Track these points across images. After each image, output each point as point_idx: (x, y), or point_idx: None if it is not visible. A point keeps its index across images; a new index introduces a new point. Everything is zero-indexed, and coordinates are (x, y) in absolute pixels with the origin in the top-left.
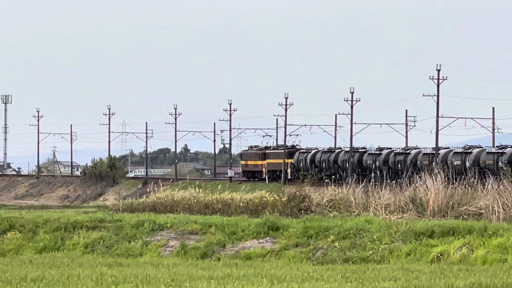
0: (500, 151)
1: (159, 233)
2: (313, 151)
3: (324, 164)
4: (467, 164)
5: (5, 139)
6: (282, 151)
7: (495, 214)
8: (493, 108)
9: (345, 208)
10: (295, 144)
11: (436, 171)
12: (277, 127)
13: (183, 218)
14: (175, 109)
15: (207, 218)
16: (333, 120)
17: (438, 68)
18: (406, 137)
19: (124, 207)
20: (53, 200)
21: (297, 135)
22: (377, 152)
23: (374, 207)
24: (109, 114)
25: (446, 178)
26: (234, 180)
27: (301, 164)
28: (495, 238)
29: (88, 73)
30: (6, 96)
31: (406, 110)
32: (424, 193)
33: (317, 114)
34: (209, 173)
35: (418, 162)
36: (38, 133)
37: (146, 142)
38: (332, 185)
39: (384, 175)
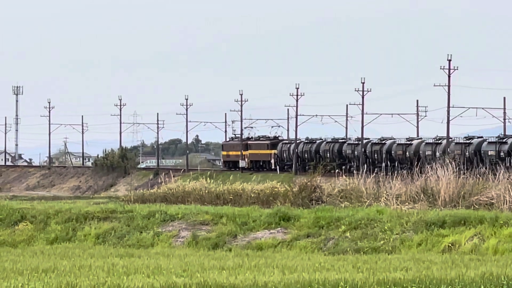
0: (468, 141)
1: (170, 223)
2: (297, 142)
3: (306, 155)
4: (437, 154)
5: (17, 130)
6: (264, 142)
7: (506, 204)
8: (504, 98)
9: (356, 199)
10: (277, 135)
11: (447, 162)
12: (288, 118)
13: (194, 208)
14: (186, 99)
15: (218, 208)
16: (344, 111)
17: (449, 58)
18: (417, 127)
19: (135, 198)
20: (64, 191)
21: (279, 126)
22: (356, 142)
23: (385, 197)
24: (120, 105)
25: (457, 168)
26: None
27: (285, 155)
28: (506, 228)
29: (100, 64)
30: (17, 87)
31: (417, 100)
32: (435, 183)
33: (328, 104)
34: (220, 164)
35: (392, 152)
36: (50, 124)
37: (158, 133)
38: (343, 176)
39: (361, 164)
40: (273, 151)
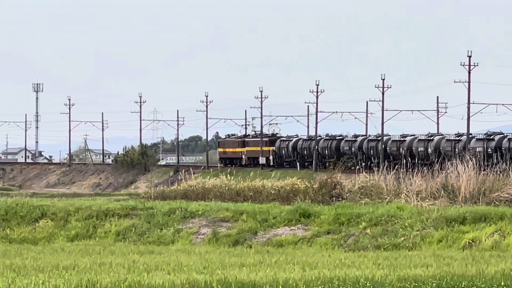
0: (458, 138)
1: (190, 220)
2: (294, 139)
3: (305, 151)
4: (429, 150)
5: (37, 127)
6: (260, 139)
7: None
8: None
9: (376, 195)
10: (275, 133)
11: (467, 158)
12: (308, 114)
13: (214, 205)
14: (206, 96)
15: (238, 205)
16: (365, 107)
17: (469, 55)
18: (438, 123)
19: (155, 195)
20: (84, 188)
21: (277, 123)
22: (353, 139)
23: (405, 194)
24: (140, 102)
25: (477, 164)
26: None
27: (283, 152)
28: None
29: (120, 61)
30: (37, 84)
31: (438, 97)
32: (455, 179)
33: (349, 101)
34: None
35: (387, 148)
36: (70, 121)
37: (178, 130)
38: (363, 172)
39: (359, 160)
40: (271, 148)
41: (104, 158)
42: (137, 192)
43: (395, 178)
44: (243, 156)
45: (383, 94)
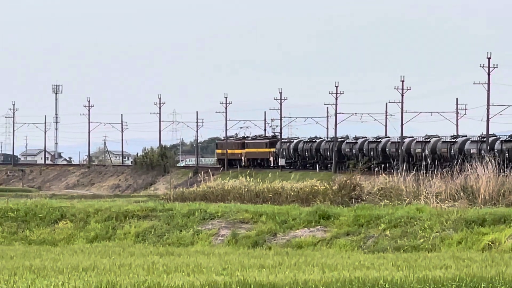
0: (453, 140)
1: (210, 222)
2: (295, 141)
3: (307, 153)
4: (426, 152)
5: (56, 129)
6: (261, 140)
7: None
8: None
9: (396, 197)
10: (274, 134)
11: (487, 159)
12: (327, 116)
13: (234, 207)
14: (226, 98)
15: (258, 207)
16: (384, 109)
17: (489, 56)
18: (457, 125)
19: (175, 196)
20: (104, 189)
21: (276, 126)
22: (353, 141)
23: (425, 196)
24: (160, 104)
25: (497, 166)
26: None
27: (284, 153)
28: None
29: (139, 63)
30: (57, 86)
31: (457, 98)
32: (475, 181)
33: (368, 102)
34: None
35: (387, 149)
36: (89, 122)
37: (197, 131)
38: (383, 174)
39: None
40: (271, 150)
41: (124, 159)
42: (157, 193)
43: (415, 180)
44: (243, 158)
45: (402, 95)
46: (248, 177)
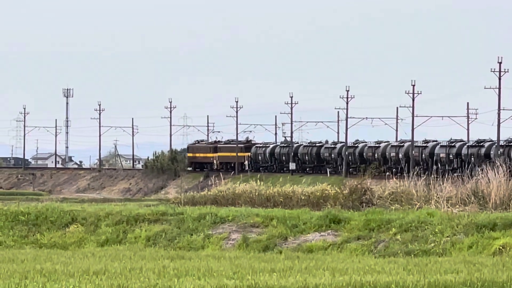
0: (424, 145)
1: (221, 226)
2: (272, 145)
3: (284, 157)
4: (400, 156)
5: (67, 132)
6: (234, 145)
7: None
8: None
9: (406, 201)
10: (249, 139)
11: (498, 164)
12: (338, 120)
13: (244, 211)
14: (237, 102)
15: (268, 211)
16: (395, 113)
17: (500, 61)
18: (468, 129)
19: (185, 200)
20: (114, 193)
21: (251, 131)
22: (332, 146)
23: (435, 200)
24: (171, 107)
25: (508, 170)
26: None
27: (260, 157)
28: None
29: (149, 66)
30: (67, 89)
31: (468, 103)
32: (485, 185)
33: (379, 106)
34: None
35: (364, 154)
36: (100, 126)
37: (208, 135)
38: (394, 178)
39: (339, 166)
40: (246, 154)
41: (134, 163)
42: (167, 197)
43: (425, 184)
44: (215, 161)
45: (413, 100)
46: (258, 181)
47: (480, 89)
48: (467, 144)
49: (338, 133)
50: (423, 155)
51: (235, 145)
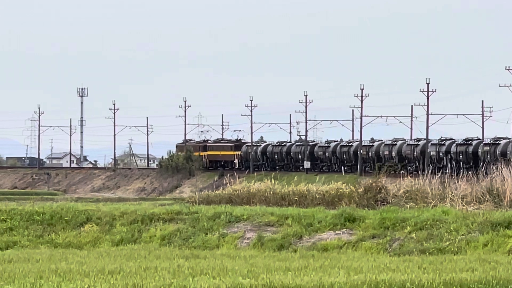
0: (416, 143)
1: (235, 225)
2: (263, 144)
3: (276, 156)
4: (393, 154)
5: (82, 132)
6: (226, 144)
7: None
8: None
9: (421, 199)
10: (239, 138)
11: None
12: (353, 118)
13: (259, 210)
14: (251, 100)
15: (283, 209)
16: (409, 111)
17: None
18: (482, 127)
19: (200, 199)
20: (129, 192)
21: (240, 130)
22: (326, 145)
23: (450, 198)
24: (185, 107)
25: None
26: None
27: (251, 156)
28: None
29: (164, 66)
30: (82, 89)
31: (482, 101)
32: (500, 183)
33: (393, 105)
34: None
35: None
36: (114, 125)
37: (222, 134)
38: (409, 176)
39: (333, 164)
40: (236, 152)
41: (149, 162)
42: (182, 196)
43: (440, 182)
44: (204, 160)
45: (427, 98)
46: (273, 180)
47: (495, 87)
48: (483, 142)
49: (352, 131)
50: (415, 153)
51: (224, 144)
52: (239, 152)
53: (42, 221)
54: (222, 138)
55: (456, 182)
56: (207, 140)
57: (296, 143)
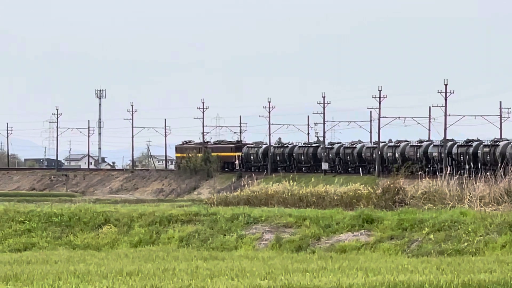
0: (419, 144)
1: (253, 226)
2: (264, 146)
3: (278, 157)
4: (396, 155)
5: (100, 133)
6: (226, 145)
7: None
8: None
9: (439, 201)
10: (239, 140)
11: None
12: (370, 120)
13: (277, 211)
14: (269, 102)
15: (301, 211)
16: (427, 112)
17: None
18: (500, 129)
19: (218, 201)
20: (147, 194)
21: (240, 132)
22: (329, 146)
23: (468, 199)
24: (203, 108)
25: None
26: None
27: (252, 157)
28: None
29: (182, 67)
30: (100, 91)
31: (500, 102)
32: None
33: (411, 106)
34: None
35: (362, 154)
36: (133, 127)
37: (240, 136)
38: (426, 177)
39: (336, 164)
40: (237, 154)
41: (167, 164)
42: (200, 198)
43: (458, 184)
44: None
45: (445, 99)
46: (291, 181)
47: None
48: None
49: (370, 132)
50: (418, 154)
51: (225, 145)
52: (240, 153)
53: (60, 222)
54: (223, 139)
55: (474, 183)
56: (207, 142)
57: (298, 145)
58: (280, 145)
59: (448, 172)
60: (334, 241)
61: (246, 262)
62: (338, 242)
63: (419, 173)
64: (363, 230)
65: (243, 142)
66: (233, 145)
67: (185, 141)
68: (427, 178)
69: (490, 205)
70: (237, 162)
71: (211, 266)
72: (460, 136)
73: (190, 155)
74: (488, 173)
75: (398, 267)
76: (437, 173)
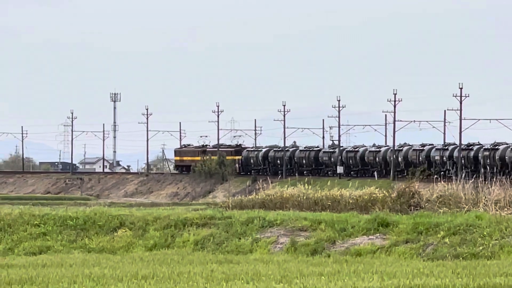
0: (421, 148)
1: (269, 230)
2: (264, 149)
3: (278, 161)
4: (399, 159)
5: (115, 137)
6: (226, 149)
7: None
8: None
9: (455, 204)
10: (239, 143)
11: None
12: (385, 123)
13: (292, 214)
14: (284, 105)
15: (316, 214)
16: (442, 116)
17: None
18: None
19: (233, 204)
20: (162, 197)
21: (240, 135)
22: (331, 150)
23: (484, 203)
24: (218, 111)
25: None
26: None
27: (252, 161)
28: None
29: (197, 70)
30: (115, 94)
31: None
32: None
33: (426, 110)
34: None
35: (365, 158)
36: (147, 130)
37: (255, 139)
38: (442, 181)
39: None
40: (237, 157)
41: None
42: (215, 201)
43: (474, 187)
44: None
45: (460, 103)
46: (306, 185)
47: None
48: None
49: (385, 136)
50: (420, 158)
51: (224, 149)
52: (240, 157)
53: (75, 226)
54: (222, 143)
55: (490, 187)
56: (206, 145)
57: (299, 149)
58: (279, 148)
59: (463, 175)
60: (349, 244)
61: (261, 266)
62: (353, 245)
63: (434, 177)
64: (378, 234)
65: (242, 146)
66: (233, 149)
67: (183, 144)
68: (442, 182)
69: (506, 208)
70: (237, 165)
71: (226, 270)
72: (475, 140)
73: (205, 158)
74: (504, 177)
75: (413, 271)
76: (440, 177)
